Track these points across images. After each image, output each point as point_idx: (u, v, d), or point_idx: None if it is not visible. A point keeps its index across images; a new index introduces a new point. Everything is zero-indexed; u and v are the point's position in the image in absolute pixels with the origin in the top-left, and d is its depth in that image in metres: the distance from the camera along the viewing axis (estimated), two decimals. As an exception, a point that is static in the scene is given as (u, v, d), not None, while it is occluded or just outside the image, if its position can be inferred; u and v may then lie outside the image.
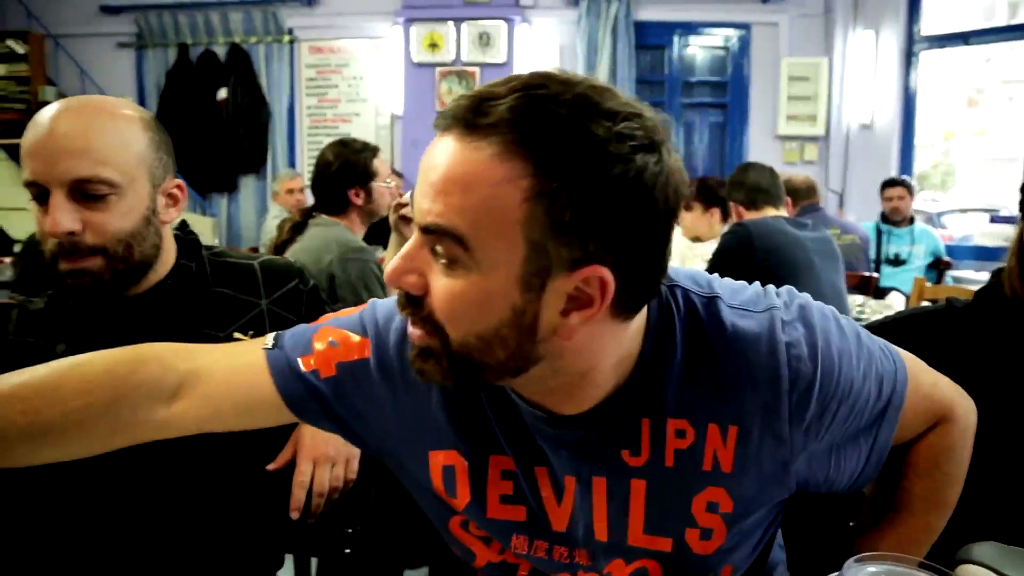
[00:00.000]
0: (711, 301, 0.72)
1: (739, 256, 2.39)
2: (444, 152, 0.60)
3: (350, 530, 1.15)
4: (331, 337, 0.80)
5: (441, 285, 0.62)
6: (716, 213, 3.15)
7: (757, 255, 2.35)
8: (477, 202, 0.58)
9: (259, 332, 1.10)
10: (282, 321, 1.13)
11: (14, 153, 5.54)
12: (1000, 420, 0.96)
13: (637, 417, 0.72)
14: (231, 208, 5.76)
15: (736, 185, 2.68)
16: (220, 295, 1.13)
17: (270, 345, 0.80)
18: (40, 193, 0.98)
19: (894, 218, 4.35)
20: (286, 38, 5.65)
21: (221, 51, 5.68)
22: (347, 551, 1.16)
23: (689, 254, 3.18)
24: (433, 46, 5.39)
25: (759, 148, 5.27)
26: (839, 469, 0.76)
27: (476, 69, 5.33)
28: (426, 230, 0.61)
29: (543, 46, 5.44)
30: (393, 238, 1.91)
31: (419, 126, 5.13)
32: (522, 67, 5.35)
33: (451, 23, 5.34)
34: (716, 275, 0.79)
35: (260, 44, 5.66)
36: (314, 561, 1.22)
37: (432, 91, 5.36)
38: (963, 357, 0.99)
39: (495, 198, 0.58)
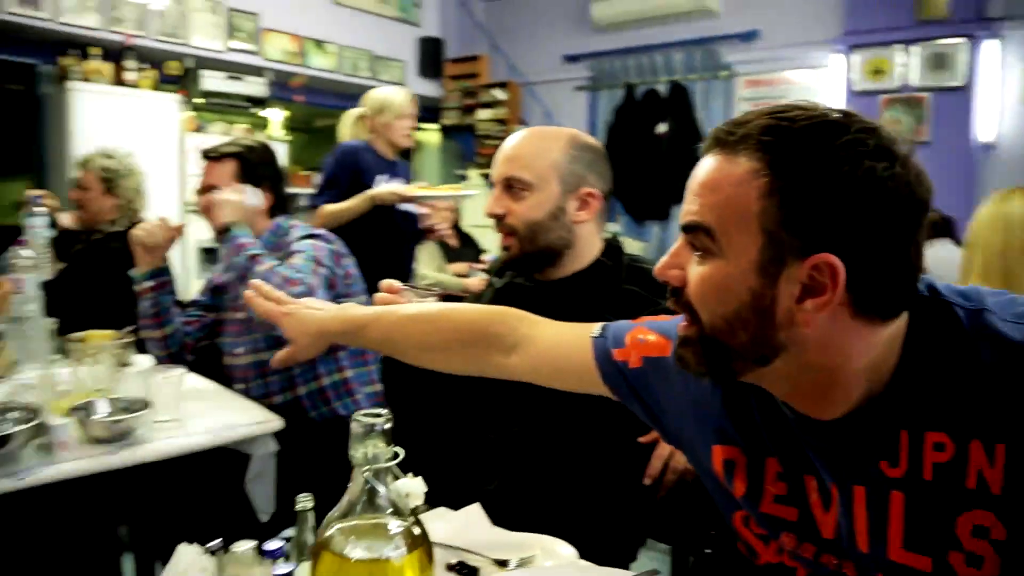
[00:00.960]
0: (978, 313, 0.70)
1: None
2: (702, 166, 0.75)
3: (712, 532, 1.24)
4: (640, 335, 0.96)
5: (695, 273, 0.74)
6: None
7: None
8: (722, 200, 0.71)
9: None
10: None
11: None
12: None
13: (895, 427, 0.71)
14: (663, 235, 6.14)
15: None
16: (629, 292, 1.34)
17: (597, 334, 1.00)
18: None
19: None
20: (724, 74, 5.85)
21: (663, 88, 6.11)
22: (707, 551, 1.25)
23: None
24: (877, 72, 5.08)
25: None
26: None
27: (927, 95, 4.88)
28: (685, 228, 0.75)
29: (1013, 65, 4.74)
30: None
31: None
32: (985, 90, 4.75)
33: (899, 46, 4.97)
34: (995, 291, 0.74)
35: (699, 80, 5.95)
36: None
37: (876, 120, 5.03)
38: None
39: (736, 195, 0.70)
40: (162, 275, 2.01)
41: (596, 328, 1.01)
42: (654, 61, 6.17)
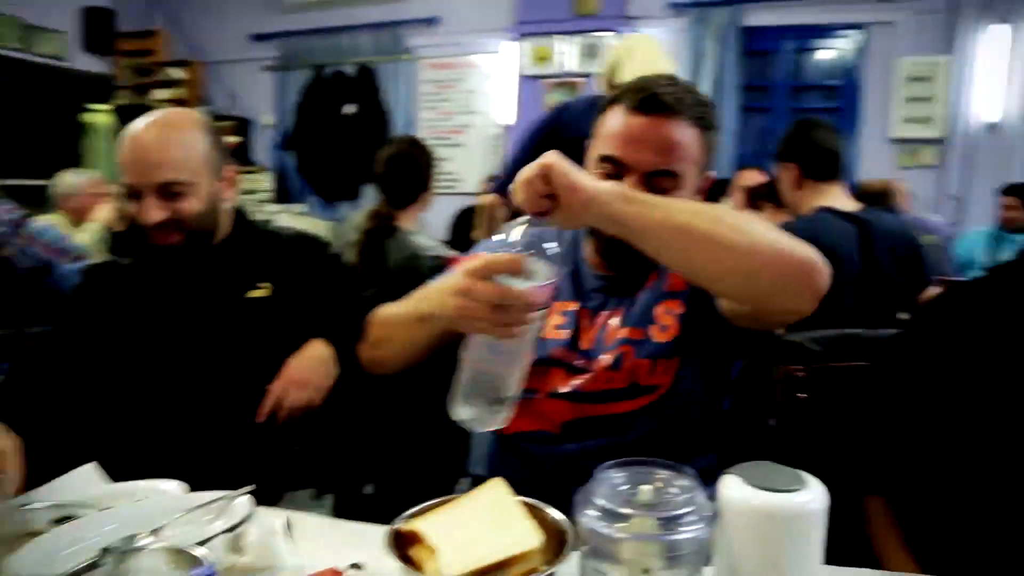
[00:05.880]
0: None
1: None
2: None
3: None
4: (464, 258, 1.27)
5: None
6: (786, 214, 3.14)
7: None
8: None
9: None
10: None
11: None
12: (996, 391, 1.06)
13: None
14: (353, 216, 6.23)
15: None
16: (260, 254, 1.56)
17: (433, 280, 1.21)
18: None
19: (1007, 227, 4.10)
20: (407, 56, 6.08)
21: (350, 70, 6.19)
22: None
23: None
24: (542, 59, 5.62)
25: (871, 152, 5.08)
26: None
27: (582, 80, 5.51)
28: None
29: (649, 55, 5.52)
30: None
31: (526, 136, 5.38)
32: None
33: (559, 36, 5.55)
34: None
35: (384, 63, 6.12)
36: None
37: (540, 102, 5.58)
38: (974, 329, 1.11)
39: None
40: None
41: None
42: (341, 43, 6.22)
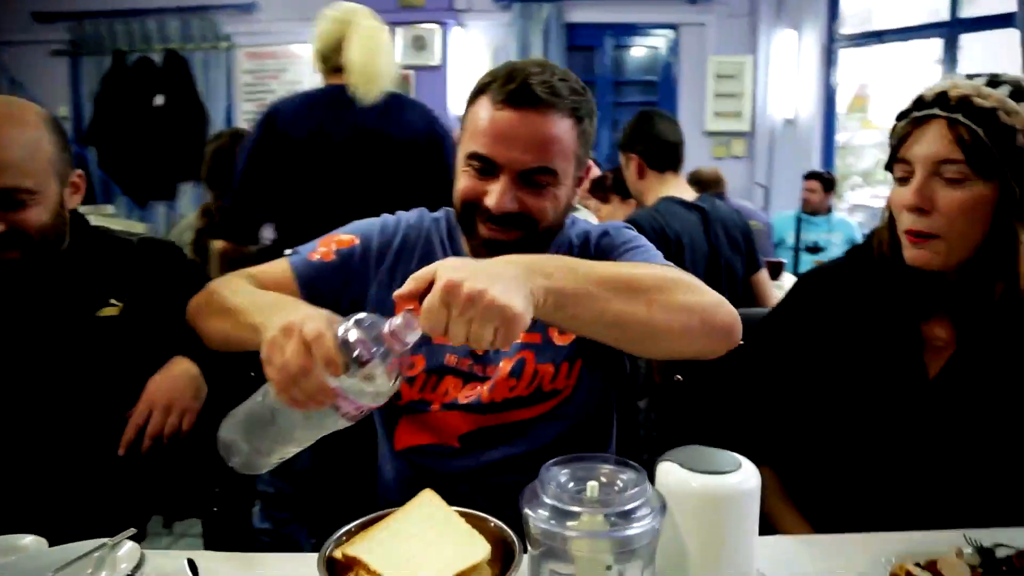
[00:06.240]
0: None
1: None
2: None
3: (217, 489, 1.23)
4: (329, 238, 1.18)
5: None
6: (632, 205, 3.26)
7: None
8: None
9: None
10: None
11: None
12: (859, 362, 1.14)
13: None
14: (170, 215, 5.75)
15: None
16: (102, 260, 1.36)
17: (290, 253, 1.16)
18: None
19: (807, 209, 4.54)
20: (223, 44, 5.68)
21: (158, 58, 5.68)
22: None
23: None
24: (369, 50, 5.47)
25: (688, 144, 5.39)
26: None
27: (410, 72, 5.41)
28: None
29: (476, 48, 5.55)
30: None
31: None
32: (456, 69, 5.46)
33: (386, 27, 5.41)
34: None
35: (197, 51, 5.69)
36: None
37: (367, 93, 5.43)
38: (835, 308, 1.18)
39: None
40: None
41: (287, 251, 1.16)
42: (147, 27, 5.70)
